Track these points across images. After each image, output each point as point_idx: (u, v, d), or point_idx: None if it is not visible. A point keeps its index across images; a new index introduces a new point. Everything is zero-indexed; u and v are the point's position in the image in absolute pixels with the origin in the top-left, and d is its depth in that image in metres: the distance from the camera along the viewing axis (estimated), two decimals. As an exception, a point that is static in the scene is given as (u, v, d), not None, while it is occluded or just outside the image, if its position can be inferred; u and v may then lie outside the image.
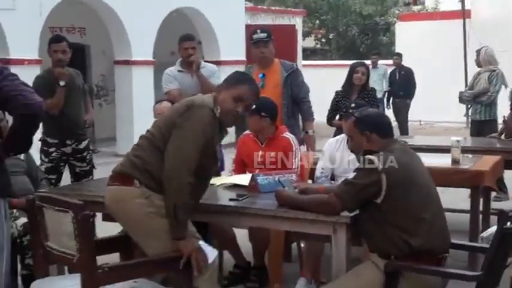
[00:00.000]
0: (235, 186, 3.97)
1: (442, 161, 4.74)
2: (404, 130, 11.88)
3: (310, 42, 22.61)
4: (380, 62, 13.23)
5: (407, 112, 12.31)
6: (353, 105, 4.30)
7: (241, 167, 4.61)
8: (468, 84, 8.08)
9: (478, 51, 7.37)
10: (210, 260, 3.17)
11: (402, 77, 12.20)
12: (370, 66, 13.16)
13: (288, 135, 4.60)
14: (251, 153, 4.56)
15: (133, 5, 10.31)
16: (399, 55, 12.81)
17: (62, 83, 5.28)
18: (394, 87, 12.30)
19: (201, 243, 3.23)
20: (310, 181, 4.60)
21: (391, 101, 12.45)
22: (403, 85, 12.15)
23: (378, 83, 13.03)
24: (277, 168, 4.26)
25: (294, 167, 4.36)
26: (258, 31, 5.39)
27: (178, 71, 5.58)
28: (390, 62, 14.77)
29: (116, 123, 11.06)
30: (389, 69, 12.71)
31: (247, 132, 4.70)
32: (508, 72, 7.42)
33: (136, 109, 10.35)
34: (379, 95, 12.96)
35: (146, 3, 10.49)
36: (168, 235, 3.05)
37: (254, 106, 4.45)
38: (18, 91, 2.75)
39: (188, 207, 3.08)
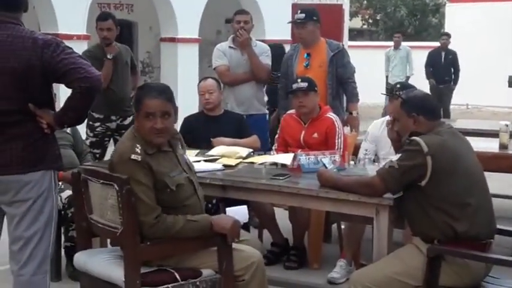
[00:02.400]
0: (277, 165, 3.96)
1: (490, 145, 4.64)
2: (446, 116, 11.02)
3: (357, 23, 22.34)
4: (406, 44, 12.17)
5: (451, 99, 11.29)
6: (398, 85, 4.22)
7: (284, 146, 4.59)
8: (519, 68, 7.87)
9: None
10: (244, 220, 3.22)
11: (449, 60, 11.10)
12: (392, 48, 12.38)
13: (331, 115, 4.56)
14: (294, 133, 4.54)
15: (181, -18, 10.34)
16: (448, 35, 11.64)
17: (109, 56, 5.34)
18: (437, 71, 11.09)
19: (229, 210, 3.27)
20: (353, 162, 4.55)
21: (429, 85, 11.10)
22: (448, 69, 11.04)
23: (400, 66, 12.02)
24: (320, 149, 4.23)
25: (337, 148, 4.33)
26: (299, 11, 5.33)
27: (229, 47, 5.53)
28: (437, 44, 14.41)
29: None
30: (425, 51, 11.69)
31: (290, 111, 4.68)
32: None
33: (181, 87, 10.39)
34: (399, 80, 11.40)
35: (193, -20, 10.50)
36: None
37: (306, 84, 4.44)
38: (78, 64, 2.80)
39: (182, 231, 2.97)
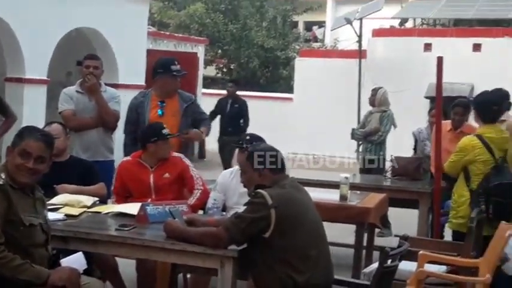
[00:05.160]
0: (122, 215, 3.87)
1: (332, 196, 4.85)
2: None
3: (211, 71, 22.70)
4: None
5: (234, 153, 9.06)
6: (248, 137, 4.31)
7: (123, 197, 4.48)
8: (360, 122, 8.36)
9: (375, 91, 7.54)
10: (82, 266, 3.17)
11: (235, 109, 10.01)
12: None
13: (177, 154, 4.60)
14: (140, 178, 4.45)
15: (30, 21, 9.96)
16: (235, 83, 10.77)
17: None
18: (222, 120, 10.01)
19: (63, 261, 3.20)
20: (201, 212, 4.56)
21: (217, 137, 9.98)
22: (234, 119, 9.90)
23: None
24: (172, 199, 4.20)
25: (195, 178, 4.48)
26: (175, 62, 5.29)
27: (77, 91, 5.40)
28: (289, 95, 14.94)
29: (2, 143, 10.57)
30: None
31: (126, 158, 4.62)
32: (397, 113, 7.74)
33: (27, 129, 9.92)
34: None
35: (44, 20, 10.15)
36: None
37: (166, 131, 4.44)
38: None
39: (18, 268, 2.90)
